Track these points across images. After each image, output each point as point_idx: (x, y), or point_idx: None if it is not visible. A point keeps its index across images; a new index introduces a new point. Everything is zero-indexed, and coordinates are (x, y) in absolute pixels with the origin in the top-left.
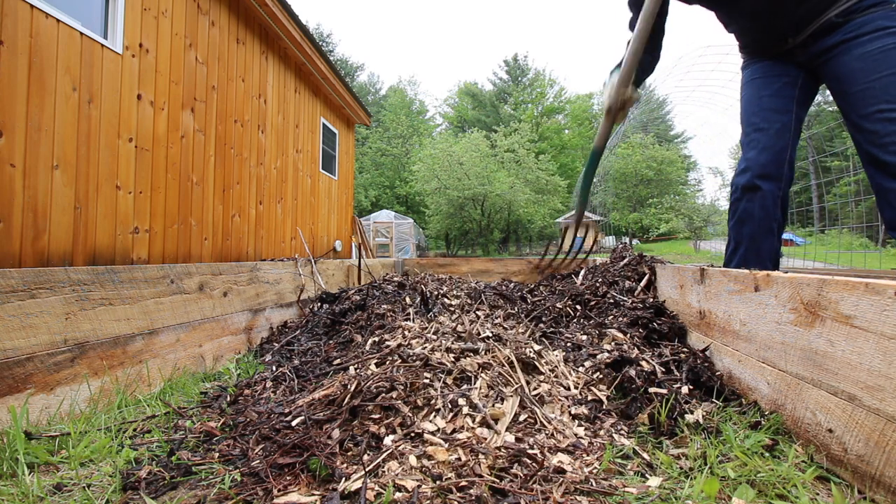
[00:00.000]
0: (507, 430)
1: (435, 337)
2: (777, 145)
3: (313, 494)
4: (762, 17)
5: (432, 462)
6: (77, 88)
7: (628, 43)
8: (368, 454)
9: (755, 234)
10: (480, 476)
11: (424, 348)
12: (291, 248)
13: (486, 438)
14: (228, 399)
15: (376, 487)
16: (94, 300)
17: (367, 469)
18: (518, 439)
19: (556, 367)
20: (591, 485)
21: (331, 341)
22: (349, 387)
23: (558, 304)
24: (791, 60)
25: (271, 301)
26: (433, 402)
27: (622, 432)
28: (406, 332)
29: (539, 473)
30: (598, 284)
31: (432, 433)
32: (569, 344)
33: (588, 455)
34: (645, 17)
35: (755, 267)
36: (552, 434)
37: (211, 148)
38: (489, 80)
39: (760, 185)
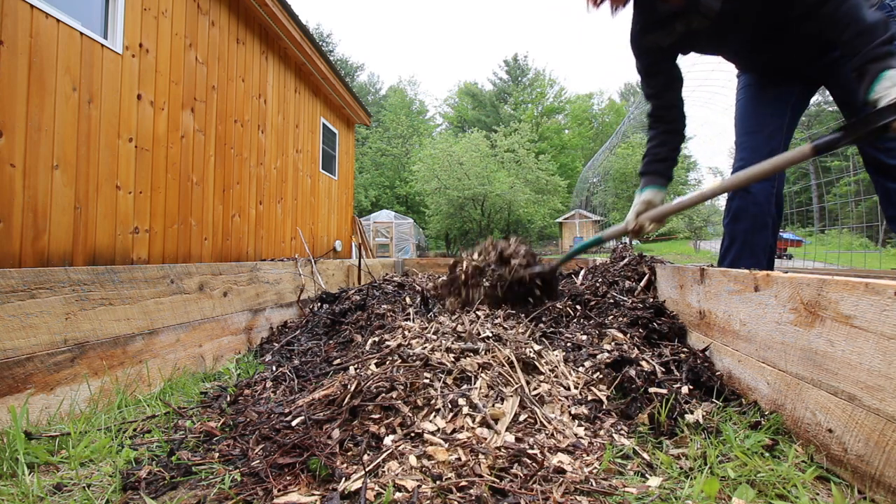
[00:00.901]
0: (507, 430)
1: (435, 337)
2: (769, 146)
3: (313, 494)
4: (782, 57)
5: (432, 462)
6: (77, 88)
7: (653, 142)
8: (368, 454)
9: (749, 230)
10: (480, 476)
11: (424, 348)
12: (291, 248)
13: (486, 438)
14: (228, 399)
15: (376, 487)
16: (94, 300)
17: (367, 469)
18: (518, 439)
19: (556, 367)
20: (591, 485)
21: (331, 341)
22: (349, 387)
23: (558, 304)
24: (791, 72)
25: (271, 301)
26: (433, 402)
27: (622, 432)
28: (406, 332)
29: (539, 473)
30: (598, 284)
31: (432, 433)
32: (569, 344)
33: (588, 455)
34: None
35: (749, 262)
36: (552, 434)
37: (211, 148)
38: (489, 80)
39: (753, 186)
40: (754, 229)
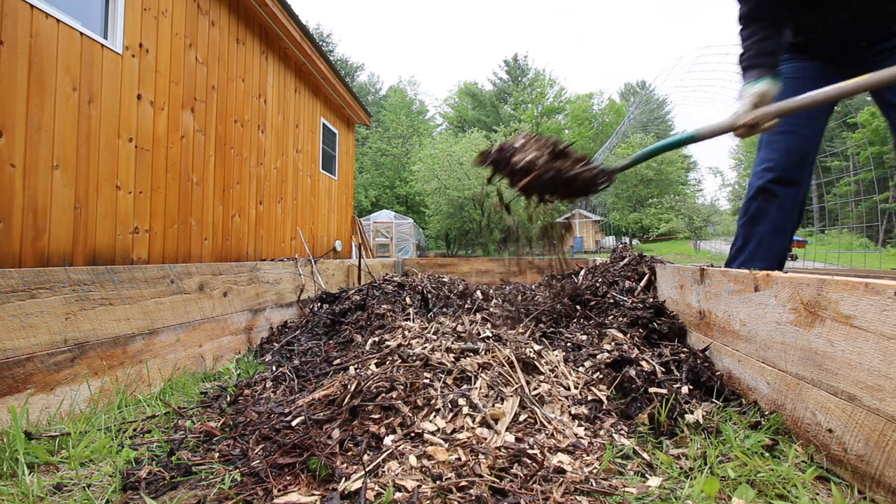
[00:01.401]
0: (507, 430)
1: (435, 337)
2: (802, 149)
3: (313, 494)
4: (851, 26)
5: (432, 462)
6: (77, 88)
7: (756, 36)
8: (368, 454)
9: (767, 234)
10: (480, 476)
11: (424, 348)
12: (291, 248)
13: (486, 438)
14: (228, 399)
15: (376, 487)
16: (94, 300)
17: (367, 469)
18: (518, 439)
19: (556, 367)
20: (591, 485)
21: (331, 341)
22: (349, 387)
23: (558, 305)
24: (833, 62)
25: (271, 301)
26: (433, 402)
27: (622, 432)
28: (406, 332)
29: (539, 473)
30: (598, 284)
31: (432, 433)
32: (569, 344)
33: (588, 455)
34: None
35: (760, 266)
36: (552, 434)
37: (211, 148)
38: (489, 80)
39: (779, 189)
40: (773, 233)
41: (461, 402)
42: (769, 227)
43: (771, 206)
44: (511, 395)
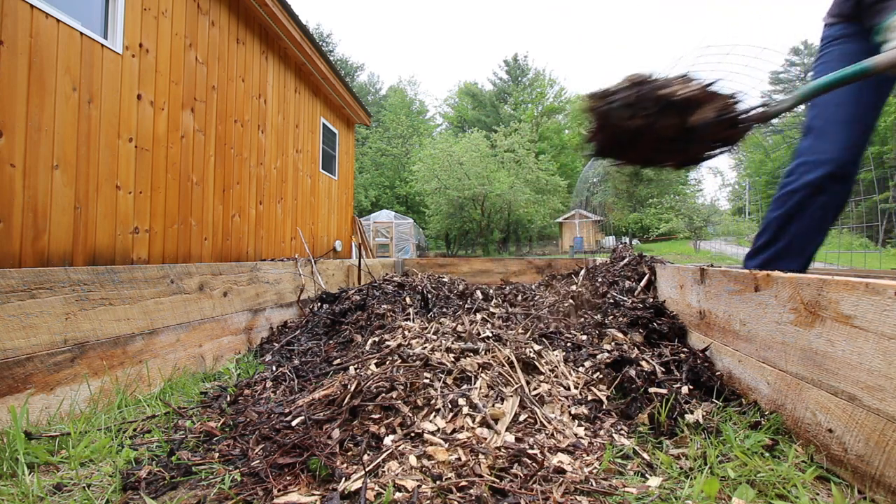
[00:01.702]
0: (507, 430)
1: (435, 337)
2: (860, 144)
3: (313, 494)
4: None
5: (432, 462)
6: (77, 88)
7: None
8: (368, 454)
9: (801, 233)
10: (480, 476)
11: (424, 348)
12: (291, 248)
13: (486, 438)
14: (228, 399)
15: (376, 487)
16: (94, 300)
17: (367, 469)
18: (518, 439)
19: (556, 367)
20: (591, 485)
21: (331, 341)
22: (349, 387)
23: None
24: None
25: (271, 301)
26: (433, 402)
27: (622, 432)
28: (406, 332)
29: (539, 473)
30: (598, 284)
31: (432, 433)
32: (569, 344)
33: (588, 455)
34: None
35: (789, 266)
36: (552, 434)
37: (211, 148)
38: (489, 80)
39: (831, 186)
40: (810, 232)
41: (461, 402)
42: (807, 224)
43: (815, 203)
44: (511, 395)
